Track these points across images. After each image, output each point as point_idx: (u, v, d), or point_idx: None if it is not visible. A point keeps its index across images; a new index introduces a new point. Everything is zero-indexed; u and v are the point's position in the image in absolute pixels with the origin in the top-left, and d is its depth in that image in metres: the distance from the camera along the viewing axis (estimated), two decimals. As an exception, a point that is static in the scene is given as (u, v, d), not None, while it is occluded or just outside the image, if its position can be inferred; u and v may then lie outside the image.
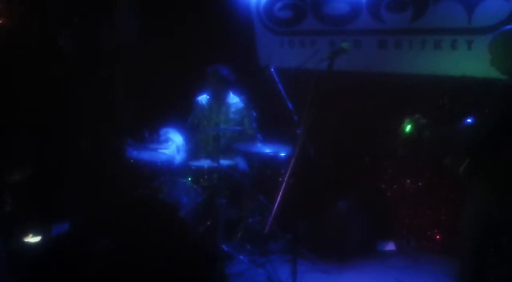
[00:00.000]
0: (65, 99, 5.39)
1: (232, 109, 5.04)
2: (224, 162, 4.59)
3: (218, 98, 5.04)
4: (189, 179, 4.64)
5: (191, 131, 5.08)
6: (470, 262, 3.20)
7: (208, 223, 4.48)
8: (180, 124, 5.11)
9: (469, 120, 3.22)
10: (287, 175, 3.33)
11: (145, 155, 4.66)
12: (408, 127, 3.42)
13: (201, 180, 4.63)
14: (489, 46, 3.20)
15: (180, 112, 5.29)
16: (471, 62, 4.43)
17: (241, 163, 4.94)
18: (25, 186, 5.01)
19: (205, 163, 4.65)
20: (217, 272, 3.60)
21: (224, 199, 4.52)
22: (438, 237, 4.86)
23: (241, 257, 4.39)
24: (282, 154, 4.57)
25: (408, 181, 5.01)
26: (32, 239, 4.50)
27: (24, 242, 4.48)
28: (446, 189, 4.79)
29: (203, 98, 5.15)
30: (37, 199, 4.99)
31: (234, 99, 5.07)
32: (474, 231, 3.18)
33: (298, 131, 3.65)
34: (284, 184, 3.32)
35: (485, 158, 3.08)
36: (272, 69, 4.52)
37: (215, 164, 4.44)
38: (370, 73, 5.01)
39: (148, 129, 4.70)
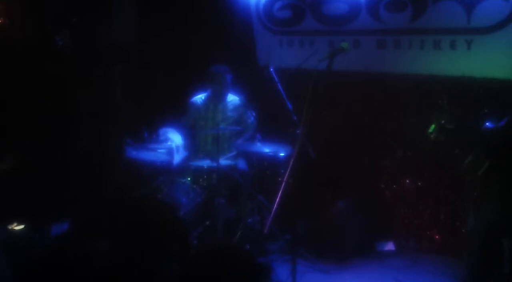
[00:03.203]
0: (63, 99, 5.39)
1: (230, 107, 5.05)
2: (223, 162, 4.59)
3: (218, 98, 5.04)
4: (189, 178, 4.64)
5: (188, 132, 5.07)
6: (478, 262, 3.20)
7: (207, 223, 4.48)
8: (179, 124, 5.10)
9: (487, 124, 3.23)
10: (286, 175, 3.33)
11: (144, 155, 4.65)
12: (432, 128, 3.45)
13: (201, 180, 4.63)
14: None
15: (179, 112, 5.29)
16: (471, 62, 4.44)
17: (240, 162, 4.94)
18: (27, 184, 5.01)
19: (204, 162, 4.64)
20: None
21: (223, 198, 4.52)
22: (437, 236, 4.86)
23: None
24: (282, 154, 4.57)
25: (407, 180, 5.01)
26: (17, 227, 4.52)
27: (8, 229, 4.49)
28: (445, 188, 4.79)
29: (198, 98, 5.13)
30: (37, 196, 5.00)
31: (231, 97, 5.08)
32: (485, 232, 3.18)
33: (298, 131, 3.65)
34: (283, 184, 3.32)
35: (505, 162, 3.09)
36: (271, 69, 4.52)
37: (214, 164, 4.44)
38: (369, 73, 5.00)
39: (147, 129, 4.69)
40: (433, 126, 3.42)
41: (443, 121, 3.47)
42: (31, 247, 4.23)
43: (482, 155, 3.25)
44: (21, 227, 4.54)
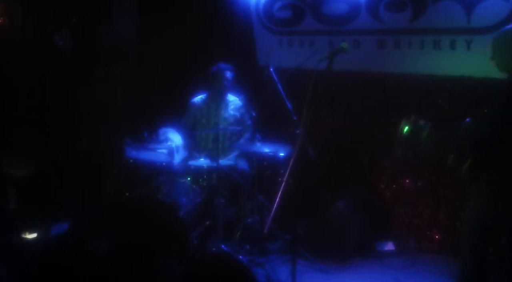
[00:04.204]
0: (63, 99, 5.38)
1: (231, 106, 5.06)
2: (223, 162, 4.58)
3: (219, 98, 5.04)
4: (188, 178, 4.63)
5: (188, 132, 5.08)
6: (470, 262, 3.20)
7: (207, 223, 4.48)
8: (179, 124, 5.10)
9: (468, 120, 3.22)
10: (286, 175, 3.33)
11: (144, 155, 4.65)
12: (405, 129, 3.41)
13: (200, 180, 4.63)
14: (492, 42, 3.22)
15: (179, 112, 5.29)
16: (470, 62, 4.44)
17: (240, 162, 4.94)
18: (28, 184, 5.01)
19: (204, 162, 4.65)
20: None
21: (223, 198, 4.52)
22: (437, 236, 4.86)
23: (240, 257, 4.38)
24: (281, 154, 4.57)
25: (407, 180, 5.01)
26: (29, 236, 4.52)
27: (21, 238, 4.50)
28: (445, 188, 4.80)
29: (198, 98, 5.14)
30: (37, 197, 5.00)
31: (232, 97, 5.09)
32: (474, 230, 3.18)
33: (297, 131, 3.65)
34: (283, 184, 3.32)
35: (486, 157, 3.09)
36: (271, 69, 4.52)
37: (214, 164, 4.44)
38: (369, 73, 5.01)
39: (147, 129, 4.69)
40: (406, 127, 3.39)
41: (413, 118, 3.43)
42: (31, 247, 4.25)
43: (464, 151, 3.25)
44: (33, 235, 4.54)
